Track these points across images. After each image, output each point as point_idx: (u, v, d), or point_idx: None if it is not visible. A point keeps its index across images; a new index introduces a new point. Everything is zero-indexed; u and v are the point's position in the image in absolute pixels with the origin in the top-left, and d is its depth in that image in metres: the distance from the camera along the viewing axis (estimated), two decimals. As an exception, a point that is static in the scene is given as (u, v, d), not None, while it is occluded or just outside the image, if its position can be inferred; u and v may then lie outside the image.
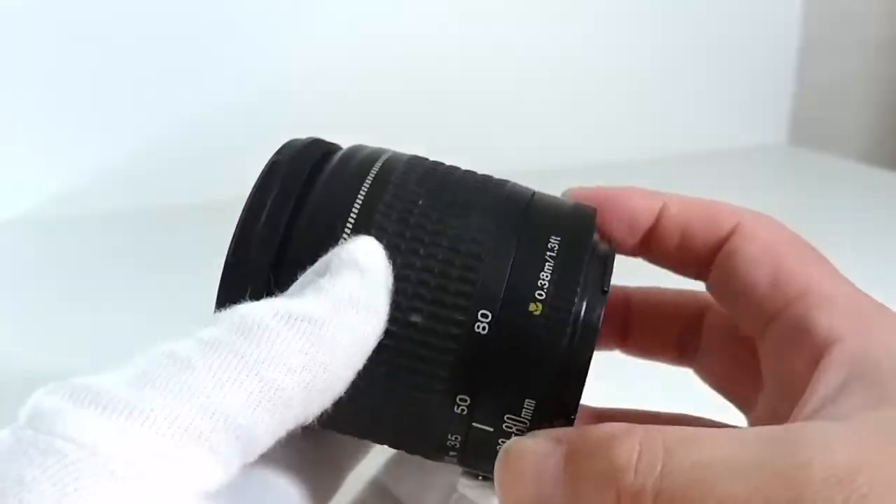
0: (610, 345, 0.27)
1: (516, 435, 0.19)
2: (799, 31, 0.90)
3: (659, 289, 0.27)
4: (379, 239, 0.19)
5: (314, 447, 0.22)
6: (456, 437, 0.20)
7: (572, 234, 0.20)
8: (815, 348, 0.20)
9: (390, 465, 0.24)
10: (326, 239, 0.19)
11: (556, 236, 0.20)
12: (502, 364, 0.19)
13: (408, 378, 0.19)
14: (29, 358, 0.42)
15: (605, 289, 0.20)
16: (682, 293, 0.27)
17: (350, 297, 0.17)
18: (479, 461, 0.20)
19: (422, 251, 0.19)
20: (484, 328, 0.19)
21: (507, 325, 0.19)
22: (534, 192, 0.21)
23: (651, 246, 0.25)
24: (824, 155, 0.88)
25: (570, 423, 0.19)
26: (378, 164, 0.21)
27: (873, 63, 0.94)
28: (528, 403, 0.19)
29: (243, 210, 0.20)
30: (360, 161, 0.21)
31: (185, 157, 0.65)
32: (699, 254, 0.24)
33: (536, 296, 0.19)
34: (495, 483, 0.19)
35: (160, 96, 0.64)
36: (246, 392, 0.16)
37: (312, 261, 0.19)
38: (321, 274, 0.18)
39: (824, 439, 0.16)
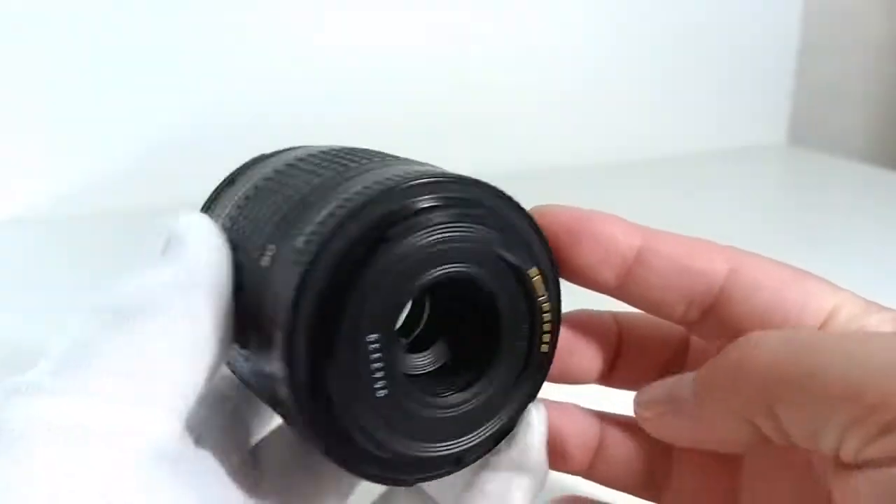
0: (592, 377, 0.25)
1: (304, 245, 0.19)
2: (799, 32, 0.90)
3: (645, 316, 0.24)
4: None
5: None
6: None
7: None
8: None
9: None
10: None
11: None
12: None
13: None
14: (28, 357, 0.42)
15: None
16: (664, 323, 0.25)
17: (195, 239, 0.22)
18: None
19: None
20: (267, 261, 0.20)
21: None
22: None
23: (629, 289, 0.23)
24: (824, 155, 0.88)
25: None
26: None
27: (873, 63, 0.94)
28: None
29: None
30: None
31: (185, 157, 0.65)
32: (685, 305, 0.23)
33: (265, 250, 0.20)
34: (636, 403, 0.23)
35: (160, 97, 0.64)
36: (147, 345, 0.19)
37: None
38: (165, 243, 0.22)
39: None
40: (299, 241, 0.19)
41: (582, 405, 0.24)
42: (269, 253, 0.20)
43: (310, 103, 0.67)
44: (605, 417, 0.24)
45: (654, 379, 0.23)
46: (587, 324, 0.24)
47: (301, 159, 0.23)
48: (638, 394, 0.23)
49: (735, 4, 0.85)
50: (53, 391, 0.17)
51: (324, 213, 0.19)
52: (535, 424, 0.22)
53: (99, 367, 0.18)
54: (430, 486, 0.23)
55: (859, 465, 0.18)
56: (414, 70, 0.72)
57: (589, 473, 0.24)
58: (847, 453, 0.18)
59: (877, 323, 0.21)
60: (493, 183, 0.20)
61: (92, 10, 0.61)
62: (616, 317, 0.25)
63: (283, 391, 0.19)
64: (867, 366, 0.17)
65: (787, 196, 0.81)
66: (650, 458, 0.24)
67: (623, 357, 0.25)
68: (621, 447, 0.24)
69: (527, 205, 0.22)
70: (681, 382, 0.22)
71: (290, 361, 0.18)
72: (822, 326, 0.21)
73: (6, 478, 0.15)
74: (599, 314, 0.25)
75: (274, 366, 0.19)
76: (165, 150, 0.65)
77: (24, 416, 0.16)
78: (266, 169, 0.23)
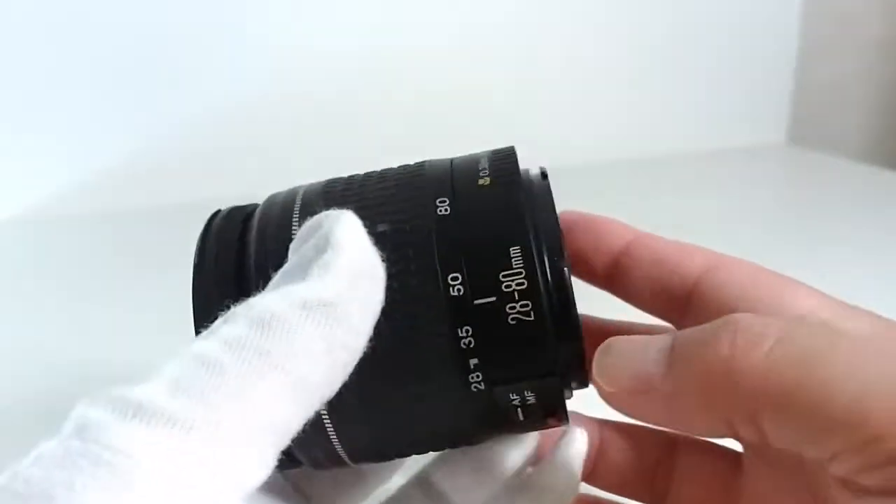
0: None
1: (518, 291, 0.19)
2: (799, 31, 0.90)
3: (632, 324, 0.25)
4: None
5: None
6: (466, 330, 0.19)
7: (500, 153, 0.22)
8: None
9: (438, 461, 0.24)
10: (281, 240, 0.20)
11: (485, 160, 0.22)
12: (474, 232, 0.20)
13: (401, 292, 0.19)
14: (28, 357, 0.42)
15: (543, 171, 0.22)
16: (655, 328, 0.26)
17: (357, 269, 0.18)
18: (502, 345, 0.19)
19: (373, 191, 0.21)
20: (446, 210, 0.20)
21: (465, 199, 0.20)
22: (452, 176, 0.22)
23: (618, 283, 0.24)
24: (824, 155, 0.88)
25: (561, 254, 0.20)
26: (302, 188, 0.22)
27: (873, 63, 0.94)
28: (514, 251, 0.19)
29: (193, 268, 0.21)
30: (283, 198, 0.22)
31: (185, 157, 0.65)
32: (670, 298, 0.24)
33: (480, 174, 0.21)
34: (595, 370, 0.20)
35: (160, 97, 0.64)
36: (275, 388, 0.16)
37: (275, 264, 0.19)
38: (321, 250, 0.18)
39: None
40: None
41: (582, 411, 0.24)
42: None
43: (310, 104, 0.67)
44: (604, 424, 0.25)
45: None
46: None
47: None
48: (597, 356, 0.20)
49: (735, 4, 0.85)
50: (173, 420, 0.15)
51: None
52: (578, 447, 0.22)
53: (220, 399, 0.16)
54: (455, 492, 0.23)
55: (861, 491, 0.17)
56: (413, 71, 0.72)
57: (590, 479, 0.24)
58: (840, 472, 0.17)
59: (852, 329, 0.21)
60: None
61: (92, 10, 0.61)
62: (602, 325, 0.26)
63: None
64: (874, 388, 0.16)
65: (787, 196, 0.81)
66: (651, 465, 0.24)
67: None
68: (622, 453, 0.24)
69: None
70: (647, 357, 0.19)
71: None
72: None
73: None
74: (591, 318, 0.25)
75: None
76: (165, 150, 0.65)
77: (141, 442, 0.15)
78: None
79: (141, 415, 0.15)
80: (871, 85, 0.95)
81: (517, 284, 0.19)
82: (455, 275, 0.19)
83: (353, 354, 0.17)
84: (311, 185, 0.22)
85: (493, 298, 0.19)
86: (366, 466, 0.24)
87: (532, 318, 0.19)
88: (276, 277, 0.18)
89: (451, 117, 0.73)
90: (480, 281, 0.19)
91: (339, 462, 0.21)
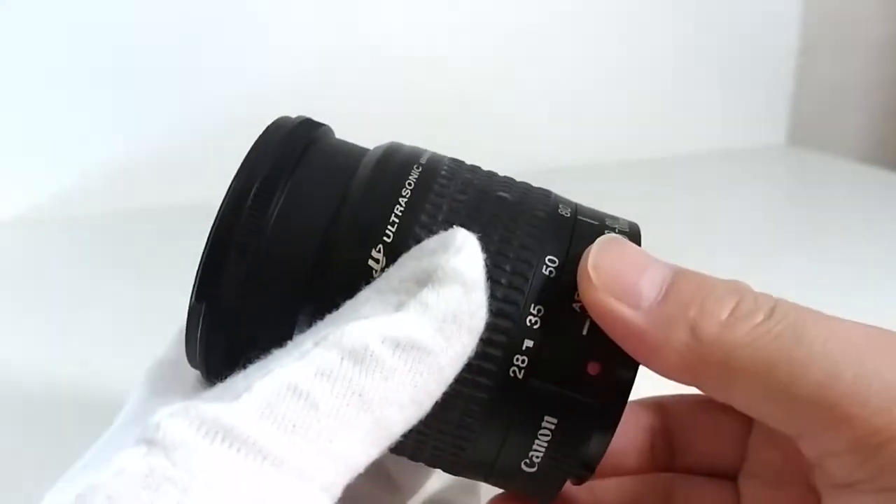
0: None
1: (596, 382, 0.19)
2: (799, 32, 0.90)
3: None
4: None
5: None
6: (522, 360, 0.19)
7: None
8: None
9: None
10: (365, 243, 0.19)
11: None
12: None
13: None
14: (28, 358, 0.42)
15: None
16: (637, 406, 0.26)
17: (455, 318, 0.17)
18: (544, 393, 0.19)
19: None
20: (551, 273, 0.19)
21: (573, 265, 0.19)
22: (577, 207, 0.21)
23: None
24: (824, 155, 0.88)
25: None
26: (412, 179, 0.20)
27: (873, 64, 0.94)
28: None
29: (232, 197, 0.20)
30: (399, 162, 0.20)
31: (185, 158, 0.65)
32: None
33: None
34: (590, 250, 0.19)
35: (160, 97, 0.64)
36: (362, 432, 0.16)
37: (346, 276, 0.18)
38: (422, 282, 0.17)
39: None
40: None
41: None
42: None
43: (310, 104, 0.67)
44: (594, 485, 0.24)
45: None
46: None
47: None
48: (599, 244, 0.19)
49: (735, 5, 0.85)
50: (264, 453, 0.15)
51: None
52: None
53: (312, 438, 0.15)
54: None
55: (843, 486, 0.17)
56: (415, 71, 0.72)
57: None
58: (809, 453, 0.18)
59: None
60: None
61: (92, 11, 0.61)
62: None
63: None
64: (844, 372, 0.16)
65: (787, 196, 0.81)
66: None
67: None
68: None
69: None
70: (646, 274, 0.18)
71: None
72: None
73: None
74: None
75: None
76: (165, 150, 0.65)
77: (228, 470, 0.14)
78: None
79: (231, 440, 0.15)
80: (872, 86, 0.95)
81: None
82: (539, 307, 0.19)
83: (432, 401, 0.17)
84: (434, 182, 0.21)
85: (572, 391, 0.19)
86: (397, 472, 0.24)
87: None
88: (375, 286, 0.18)
89: (452, 117, 0.73)
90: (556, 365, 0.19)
91: None
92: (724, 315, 0.17)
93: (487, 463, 0.20)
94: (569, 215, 0.21)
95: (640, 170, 0.79)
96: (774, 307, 0.18)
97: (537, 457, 0.20)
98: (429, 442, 0.20)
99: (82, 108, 0.62)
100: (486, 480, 0.21)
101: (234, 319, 0.19)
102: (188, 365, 0.21)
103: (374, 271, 0.19)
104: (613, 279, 0.18)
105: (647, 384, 0.21)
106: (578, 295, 0.19)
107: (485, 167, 0.22)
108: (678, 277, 0.18)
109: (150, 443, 0.14)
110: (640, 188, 0.73)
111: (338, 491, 0.16)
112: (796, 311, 0.18)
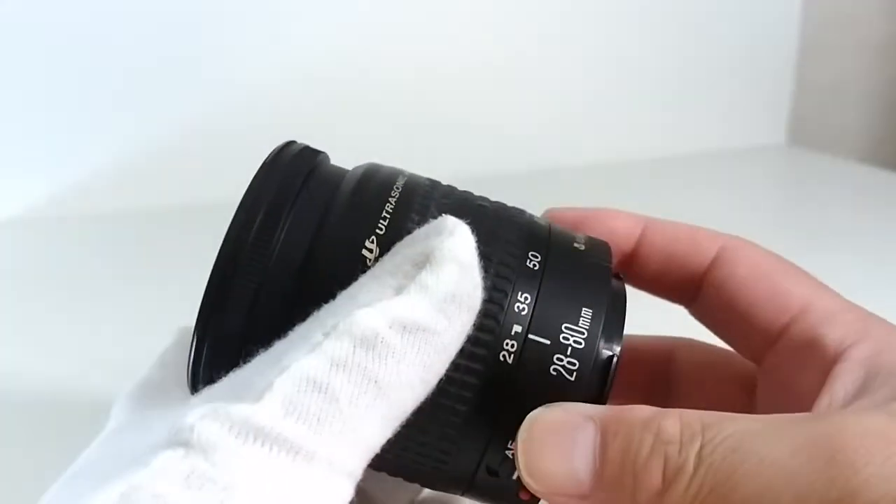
0: None
1: (573, 348, 0.19)
2: (798, 32, 0.90)
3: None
4: None
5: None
6: (511, 346, 0.19)
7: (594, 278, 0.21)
8: (826, 358, 0.20)
9: None
10: (348, 257, 0.19)
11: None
12: (555, 280, 0.20)
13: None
14: (28, 358, 0.42)
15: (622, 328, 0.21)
16: (647, 342, 0.27)
17: (454, 297, 0.17)
18: (532, 382, 0.19)
19: None
20: (535, 266, 0.20)
21: (556, 255, 0.20)
22: (550, 226, 0.22)
23: (632, 270, 0.25)
24: (824, 155, 0.88)
25: (620, 340, 0.20)
26: (399, 186, 0.21)
27: (873, 63, 0.94)
28: (586, 311, 0.20)
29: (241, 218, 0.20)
30: (379, 183, 0.21)
31: (185, 158, 0.65)
32: (683, 279, 0.25)
33: (576, 242, 0.21)
34: (518, 452, 0.18)
35: (160, 97, 0.64)
36: (380, 416, 0.17)
37: (336, 279, 0.18)
38: (420, 265, 0.17)
39: (856, 414, 0.17)
40: None
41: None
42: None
43: (310, 105, 0.67)
44: None
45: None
46: None
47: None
48: (521, 442, 0.18)
49: (735, 5, 0.85)
50: (295, 448, 0.15)
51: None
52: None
53: (337, 429, 0.16)
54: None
55: None
56: (416, 72, 0.72)
57: None
58: None
59: (849, 321, 0.21)
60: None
61: (92, 11, 0.61)
62: None
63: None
64: None
65: (787, 196, 0.81)
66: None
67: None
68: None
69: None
70: (575, 455, 0.18)
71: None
72: (792, 322, 0.22)
73: None
74: None
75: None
76: (165, 150, 0.65)
77: (264, 467, 0.15)
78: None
79: (262, 439, 0.15)
80: (872, 85, 0.95)
81: (574, 341, 0.19)
82: (526, 295, 0.19)
83: (437, 379, 0.18)
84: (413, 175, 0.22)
85: (548, 342, 0.19)
86: (379, 495, 0.24)
87: (571, 379, 0.19)
88: (371, 273, 0.18)
89: (453, 117, 0.73)
90: (543, 321, 0.19)
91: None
92: (658, 482, 0.17)
93: (468, 474, 0.20)
94: (544, 223, 0.22)
95: (640, 170, 0.79)
96: (700, 448, 0.17)
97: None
98: (409, 454, 0.20)
99: (82, 108, 0.62)
100: (465, 494, 0.22)
101: (237, 352, 0.20)
102: (175, 389, 0.21)
103: (367, 260, 0.19)
104: (550, 479, 0.18)
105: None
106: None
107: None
108: (604, 440, 0.18)
109: (186, 444, 0.15)
110: (640, 188, 0.73)
111: (360, 474, 0.17)
112: (723, 444, 0.17)
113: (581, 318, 0.20)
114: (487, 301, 0.19)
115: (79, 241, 0.59)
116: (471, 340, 0.19)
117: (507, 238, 0.20)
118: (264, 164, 0.21)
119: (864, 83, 0.95)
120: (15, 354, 0.42)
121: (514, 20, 0.76)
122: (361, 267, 0.19)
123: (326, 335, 0.16)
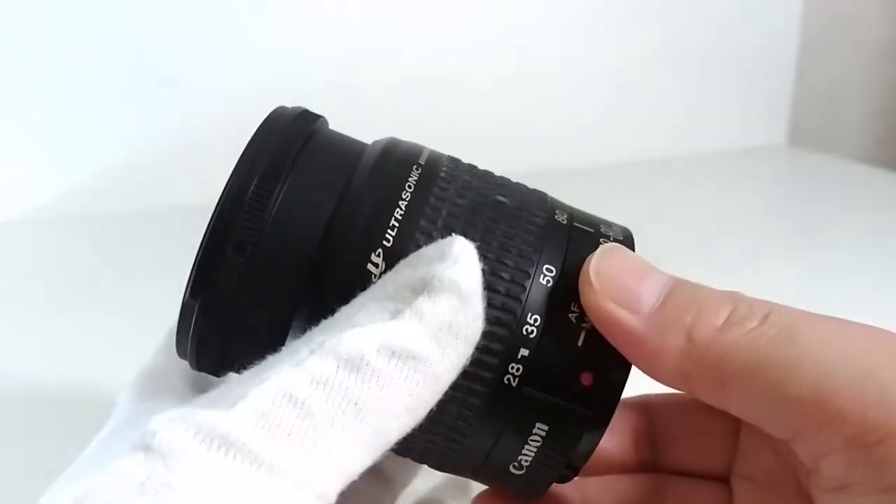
0: None
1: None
2: (799, 33, 0.90)
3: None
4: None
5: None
6: (518, 369, 0.19)
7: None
8: None
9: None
10: (365, 246, 0.19)
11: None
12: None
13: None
14: (28, 358, 0.42)
15: None
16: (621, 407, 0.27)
17: (451, 328, 0.17)
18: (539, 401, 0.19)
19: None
20: (547, 282, 0.19)
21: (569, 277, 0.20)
22: (572, 212, 0.21)
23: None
24: (824, 156, 0.88)
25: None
26: (411, 183, 0.20)
27: (873, 64, 0.94)
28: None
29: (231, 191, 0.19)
30: (398, 161, 0.20)
31: (185, 158, 0.65)
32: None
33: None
34: (593, 257, 0.19)
35: (159, 97, 0.64)
36: (358, 440, 0.16)
37: (347, 275, 0.18)
38: (418, 290, 0.17)
39: None
40: None
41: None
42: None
43: (311, 104, 0.67)
44: (587, 481, 0.24)
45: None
46: None
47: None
48: (601, 251, 0.19)
49: (735, 6, 0.85)
50: (259, 460, 0.15)
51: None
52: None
53: (308, 446, 0.15)
54: None
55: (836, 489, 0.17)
56: (416, 72, 0.72)
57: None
58: (802, 454, 0.18)
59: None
60: None
61: (91, 12, 0.61)
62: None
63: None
64: (838, 371, 0.16)
65: (787, 196, 0.81)
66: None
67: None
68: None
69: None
70: (645, 281, 0.19)
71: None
72: None
73: None
74: None
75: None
76: (165, 150, 0.65)
77: (225, 476, 0.15)
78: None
79: (227, 448, 0.15)
80: (872, 86, 0.95)
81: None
82: (536, 317, 0.19)
83: (427, 409, 0.17)
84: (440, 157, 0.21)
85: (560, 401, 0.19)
86: (388, 466, 0.24)
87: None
88: (371, 293, 0.17)
89: (453, 117, 0.73)
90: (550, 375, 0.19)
91: None
92: (720, 321, 0.18)
93: (477, 463, 0.20)
94: (565, 222, 0.21)
95: (641, 170, 0.79)
96: (769, 313, 0.18)
97: (526, 461, 0.20)
98: (419, 442, 0.20)
99: (82, 109, 0.62)
100: (474, 478, 0.22)
101: (228, 317, 0.19)
102: (175, 373, 0.21)
103: (372, 275, 0.19)
104: (614, 285, 0.18)
105: (644, 385, 0.21)
106: (575, 305, 0.19)
107: (485, 167, 0.22)
108: (676, 286, 0.19)
109: (146, 449, 0.15)
110: (641, 188, 0.73)
111: (332, 498, 0.16)
112: (790, 314, 0.18)
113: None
114: (495, 323, 0.18)
115: (79, 241, 0.59)
116: (475, 362, 0.18)
117: (521, 251, 0.19)
118: (262, 124, 0.21)
119: (864, 84, 0.95)
120: (15, 354, 0.42)
121: (515, 22, 0.76)
122: (365, 282, 0.19)
123: (312, 352, 0.16)
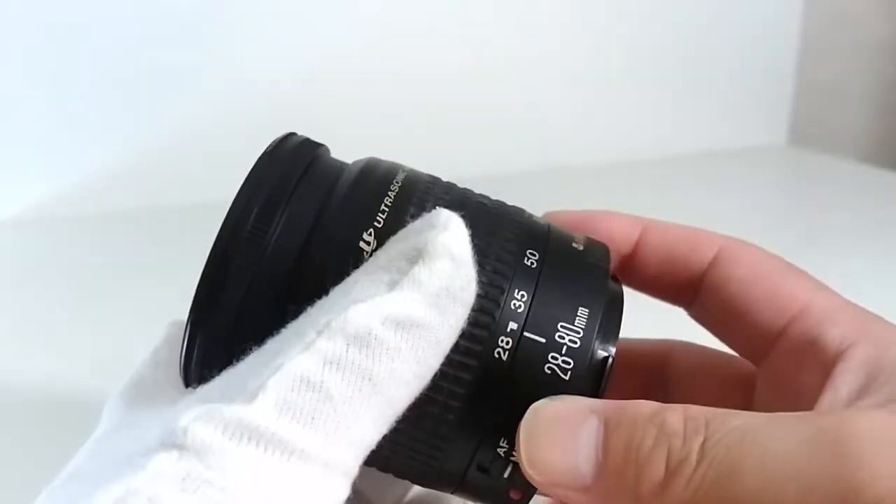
0: None
1: (568, 347, 0.19)
2: (799, 32, 0.90)
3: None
4: None
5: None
6: (506, 342, 0.19)
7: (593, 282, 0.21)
8: (826, 358, 0.20)
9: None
10: (345, 250, 0.19)
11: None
12: (553, 279, 0.20)
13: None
14: (28, 358, 0.42)
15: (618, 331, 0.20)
16: (643, 345, 0.27)
17: (448, 291, 0.17)
18: (525, 382, 0.19)
19: None
20: (532, 264, 0.20)
21: (554, 254, 0.20)
22: (549, 226, 0.22)
23: (631, 272, 0.25)
24: (824, 155, 0.88)
25: (615, 341, 0.20)
26: (398, 181, 0.21)
27: (873, 63, 0.94)
28: (582, 311, 0.20)
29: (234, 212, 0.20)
30: (378, 177, 0.21)
31: (185, 158, 0.65)
32: (682, 280, 0.25)
33: (575, 241, 0.21)
34: (520, 441, 0.18)
35: (160, 97, 0.64)
36: (374, 414, 0.17)
37: (332, 273, 0.18)
38: (413, 260, 0.17)
39: (861, 411, 0.17)
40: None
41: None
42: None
43: (311, 105, 0.67)
44: None
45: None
46: None
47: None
48: (523, 430, 0.18)
49: (735, 5, 0.85)
50: (290, 448, 0.15)
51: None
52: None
53: (331, 428, 0.16)
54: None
55: None
56: (416, 72, 0.72)
57: None
58: None
59: (848, 320, 0.21)
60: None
61: (92, 11, 0.61)
62: None
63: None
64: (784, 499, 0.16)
65: (787, 196, 0.81)
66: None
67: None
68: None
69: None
70: (577, 448, 0.18)
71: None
72: (791, 323, 0.22)
73: None
74: None
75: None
76: (165, 150, 0.65)
77: (258, 468, 0.15)
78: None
79: (257, 440, 0.15)
80: (872, 85, 0.95)
81: (570, 340, 0.19)
82: (523, 293, 0.19)
83: (431, 374, 0.18)
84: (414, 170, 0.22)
85: (543, 340, 0.19)
86: (372, 492, 0.24)
87: (566, 378, 0.19)
88: (364, 269, 0.18)
89: (453, 117, 0.73)
90: (539, 319, 0.19)
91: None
92: (661, 474, 0.17)
93: (459, 472, 0.20)
94: (543, 223, 0.22)
95: (641, 170, 0.79)
96: (704, 441, 0.17)
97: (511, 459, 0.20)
98: (401, 450, 0.20)
99: (83, 108, 0.62)
100: (455, 492, 0.21)
101: (229, 345, 0.19)
102: (165, 384, 0.21)
103: (364, 252, 0.19)
104: (551, 470, 0.18)
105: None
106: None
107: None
108: (607, 432, 0.18)
109: (179, 447, 0.15)
110: (641, 188, 0.73)
111: (355, 472, 0.17)
112: (727, 437, 0.17)
113: (577, 318, 0.20)
114: (483, 297, 0.19)
115: (79, 241, 0.59)
116: (465, 336, 0.19)
117: (504, 235, 0.20)
118: (263, 155, 0.21)
119: (864, 83, 0.95)
120: (15, 354, 0.42)
121: (514, 21, 0.76)
122: (358, 260, 0.19)
123: (319, 333, 0.16)
